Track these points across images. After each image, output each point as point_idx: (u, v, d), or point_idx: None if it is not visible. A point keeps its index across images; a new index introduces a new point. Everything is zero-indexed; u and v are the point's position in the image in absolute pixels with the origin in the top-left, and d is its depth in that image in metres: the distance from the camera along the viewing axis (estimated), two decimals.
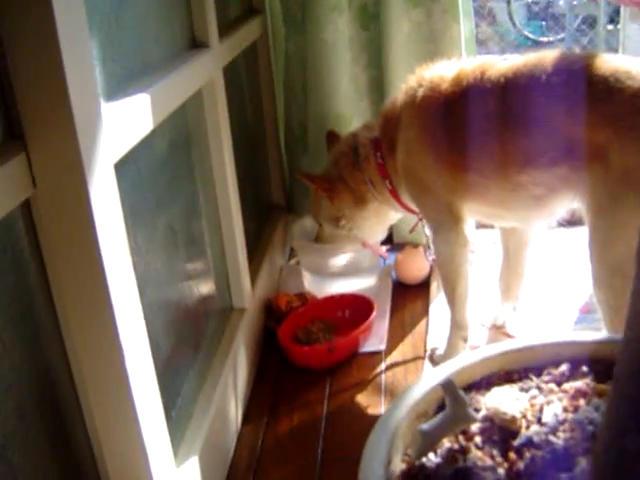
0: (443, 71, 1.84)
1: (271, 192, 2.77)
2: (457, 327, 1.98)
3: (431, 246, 2.11)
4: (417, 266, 2.49)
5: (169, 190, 1.61)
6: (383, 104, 2.43)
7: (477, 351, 1.02)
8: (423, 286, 2.49)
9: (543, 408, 0.89)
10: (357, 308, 2.27)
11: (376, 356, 2.15)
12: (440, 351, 2.06)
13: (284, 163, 2.79)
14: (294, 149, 2.72)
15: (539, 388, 0.94)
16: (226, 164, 1.90)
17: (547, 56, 1.66)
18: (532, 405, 0.91)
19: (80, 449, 1.21)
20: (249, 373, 2.05)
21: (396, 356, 2.14)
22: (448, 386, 0.88)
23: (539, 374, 0.97)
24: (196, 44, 1.77)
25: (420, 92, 1.83)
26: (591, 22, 6.63)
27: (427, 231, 2.13)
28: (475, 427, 0.88)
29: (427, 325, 2.26)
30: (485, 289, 2.21)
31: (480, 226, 2.38)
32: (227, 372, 1.79)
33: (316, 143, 2.57)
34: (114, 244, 1.12)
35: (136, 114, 1.28)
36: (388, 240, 2.51)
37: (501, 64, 1.73)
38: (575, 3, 6.72)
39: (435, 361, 2.05)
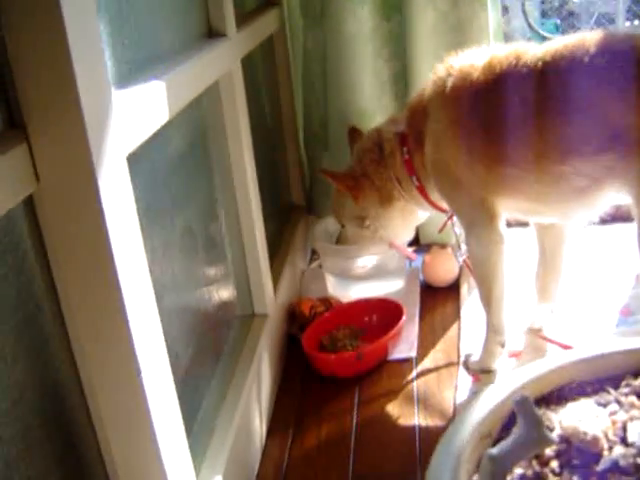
0: (473, 59, 1.72)
1: (290, 192, 2.66)
2: (494, 331, 1.86)
3: (462, 246, 2.00)
4: (446, 267, 2.37)
5: (186, 188, 1.50)
6: (408, 98, 2.33)
7: (542, 361, 0.90)
8: (453, 288, 2.37)
9: (626, 425, 0.77)
10: (385, 313, 2.16)
11: (406, 363, 2.03)
12: (475, 357, 1.94)
13: (304, 162, 2.68)
14: (314, 147, 2.60)
15: (618, 402, 0.83)
16: (245, 161, 1.79)
17: (589, 37, 1.54)
18: (613, 422, 0.79)
19: (93, 469, 1.10)
20: (273, 383, 1.94)
21: (428, 363, 2.02)
22: (523, 404, 0.76)
23: (616, 386, 0.85)
24: (212, 33, 1.66)
25: (450, 82, 1.72)
26: (607, 19, 6.47)
27: (457, 230, 2.02)
28: (550, 450, 0.76)
29: (459, 330, 2.14)
30: (521, 291, 2.08)
31: (514, 224, 2.26)
32: (250, 383, 1.68)
33: (337, 140, 2.46)
34: (128, 245, 1.01)
35: (150, 103, 1.17)
36: (415, 241, 2.39)
37: (538, 48, 1.62)
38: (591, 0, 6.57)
39: (470, 368, 1.93)
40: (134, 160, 1.11)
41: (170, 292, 1.35)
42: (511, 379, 0.90)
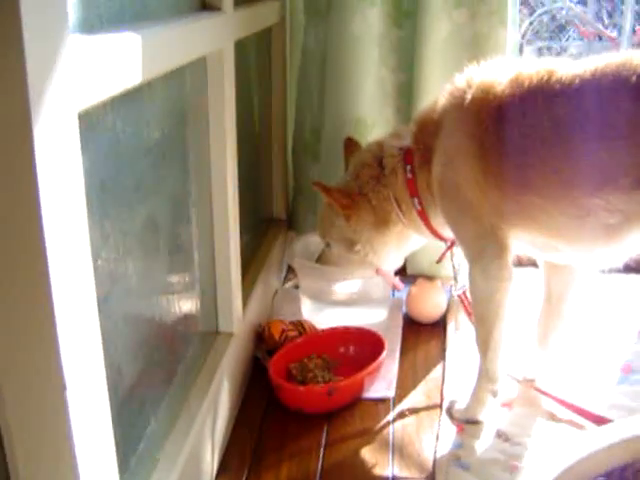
0: (497, 71, 1.54)
1: (272, 204, 2.44)
2: (487, 378, 1.65)
3: (459, 279, 1.80)
4: (433, 302, 2.17)
5: (154, 174, 1.28)
6: (411, 112, 2.14)
7: (594, 435, 0.69)
8: (438, 325, 2.16)
9: None
10: (363, 345, 1.94)
11: (382, 404, 1.80)
12: (461, 405, 1.72)
13: (289, 173, 2.47)
14: (302, 158, 2.40)
15: None
16: (227, 156, 1.57)
17: (638, 55, 1.35)
18: None
19: None
20: (231, 412, 1.70)
21: (407, 405, 1.80)
22: None
23: None
24: (207, 5, 1.45)
25: (470, 94, 1.53)
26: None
27: (456, 262, 1.81)
28: None
29: (443, 372, 1.92)
30: (517, 335, 1.87)
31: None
32: (205, 409, 1.45)
33: (329, 152, 2.26)
34: (66, 225, 0.78)
35: (117, 56, 0.95)
36: (401, 270, 2.17)
37: (574, 64, 1.43)
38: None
39: (455, 417, 1.71)
40: (90, 121, 0.89)
41: (119, 293, 1.11)
42: (561, 456, 0.69)
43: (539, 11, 5.31)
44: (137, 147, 1.16)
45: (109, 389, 0.94)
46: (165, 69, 1.15)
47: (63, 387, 0.79)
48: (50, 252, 0.74)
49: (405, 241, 1.86)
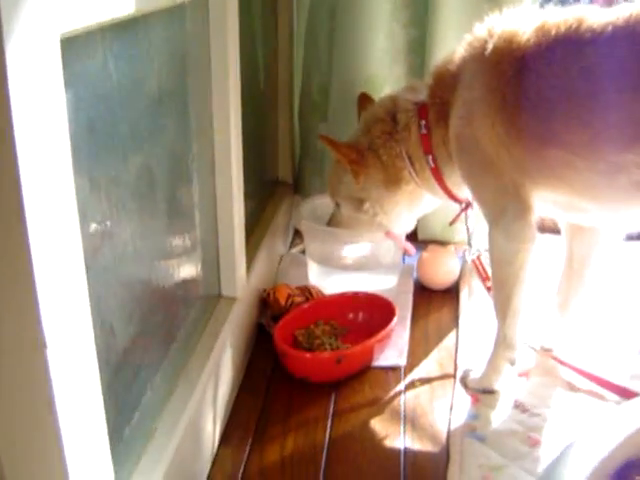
0: (521, 20, 1.43)
1: (277, 166, 2.34)
2: (505, 345, 1.56)
3: (472, 244, 1.70)
4: (446, 268, 2.07)
5: (152, 123, 1.18)
6: (424, 70, 2.03)
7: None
8: (451, 292, 2.07)
9: None
10: (373, 311, 1.85)
11: (393, 372, 1.72)
12: (476, 374, 1.63)
13: (296, 133, 2.36)
14: (309, 117, 2.29)
15: None
16: (230, 109, 1.47)
17: None
18: None
19: None
20: (234, 380, 1.62)
21: (419, 374, 1.71)
22: None
23: None
24: None
25: (491, 44, 1.42)
26: None
27: (470, 225, 1.72)
28: None
29: (457, 339, 1.84)
30: (535, 302, 1.78)
31: None
32: (206, 376, 1.36)
33: (338, 112, 2.16)
34: (47, 167, 0.69)
35: None
36: (411, 236, 2.07)
37: (606, 11, 1.32)
38: None
39: (469, 387, 1.62)
40: (77, 50, 0.80)
41: (110, 249, 1.02)
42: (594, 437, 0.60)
43: None
44: (132, 89, 1.06)
45: (100, 351, 0.85)
46: (161, 1, 1.05)
47: (43, 345, 0.70)
48: (27, 196, 0.65)
49: (417, 202, 1.77)
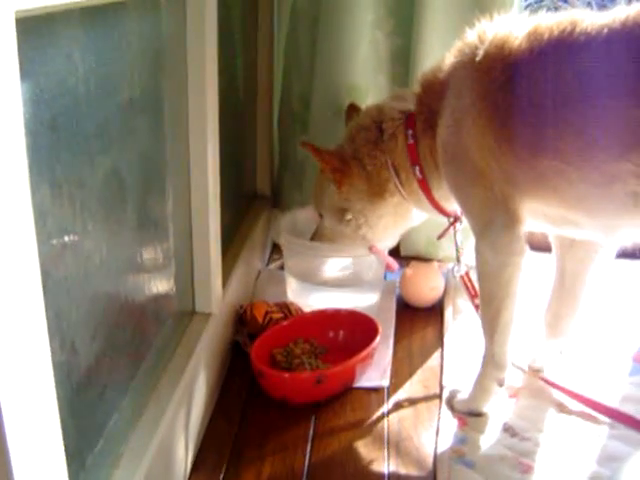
0: (512, 25, 1.38)
1: (255, 178, 2.27)
2: (493, 364, 1.50)
3: (460, 259, 1.64)
4: (430, 285, 2.00)
5: (122, 124, 1.10)
6: (411, 78, 1.97)
7: None
8: (434, 310, 1.99)
9: None
10: (355, 329, 1.77)
11: (376, 394, 1.64)
12: (463, 395, 1.56)
13: (275, 145, 2.29)
14: (289, 128, 2.22)
15: None
16: (207, 115, 1.40)
17: None
18: None
19: None
20: (207, 402, 1.53)
21: (403, 395, 1.64)
22: None
23: None
24: None
25: (482, 50, 1.37)
26: None
27: (459, 240, 1.65)
28: None
29: (442, 359, 1.76)
30: (522, 321, 1.71)
31: None
32: (178, 398, 1.28)
33: (319, 122, 2.10)
34: None
35: None
36: (394, 251, 2.01)
37: (601, 15, 1.27)
38: None
39: (456, 409, 1.55)
40: (40, 40, 0.72)
41: (74, 257, 0.93)
42: None
43: None
44: (101, 85, 0.97)
45: (59, 369, 0.77)
46: None
47: None
48: None
49: (403, 215, 1.71)
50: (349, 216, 1.71)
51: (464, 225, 1.62)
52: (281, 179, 2.30)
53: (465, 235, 1.68)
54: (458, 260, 1.65)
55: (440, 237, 1.72)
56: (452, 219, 1.64)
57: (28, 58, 0.66)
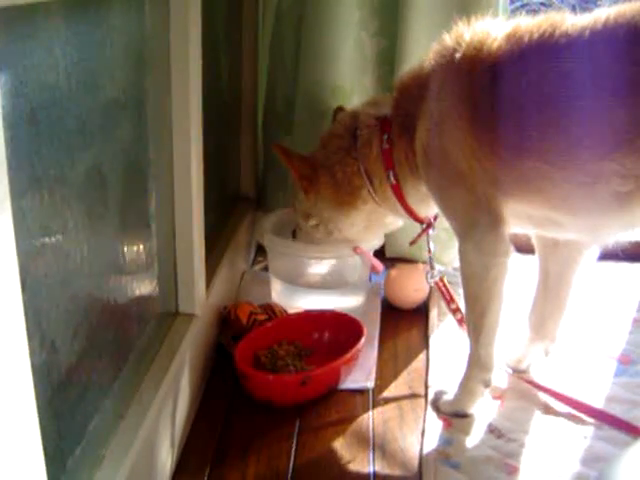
0: (490, 27, 1.38)
1: (239, 179, 2.25)
2: (479, 366, 1.49)
3: (435, 265, 1.64)
4: (415, 286, 1.99)
5: (104, 119, 1.08)
6: (394, 79, 1.96)
7: None
8: (419, 311, 1.99)
9: None
10: (340, 330, 1.76)
11: (361, 395, 1.63)
12: (449, 396, 1.55)
13: (259, 146, 2.28)
14: (273, 130, 2.20)
15: None
16: (191, 114, 1.38)
17: None
18: None
19: None
20: (190, 404, 1.51)
21: (388, 397, 1.63)
22: None
23: None
24: None
25: (460, 52, 1.37)
26: None
27: (432, 246, 1.65)
28: None
29: (427, 361, 1.76)
30: (507, 323, 1.71)
31: None
32: (160, 400, 1.26)
33: (303, 123, 2.08)
34: None
35: None
36: (378, 252, 2.00)
37: (581, 17, 1.28)
38: None
39: (441, 410, 1.54)
40: (17, 30, 0.70)
41: (54, 256, 0.92)
42: None
43: None
44: (82, 81, 0.96)
45: (38, 369, 0.75)
46: None
47: None
48: None
49: (377, 222, 1.71)
50: (314, 222, 1.72)
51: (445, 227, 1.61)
52: (265, 180, 2.28)
53: (449, 237, 1.68)
54: (432, 266, 1.65)
55: (412, 243, 1.73)
56: (425, 225, 1.64)
57: (8, 49, 0.65)
